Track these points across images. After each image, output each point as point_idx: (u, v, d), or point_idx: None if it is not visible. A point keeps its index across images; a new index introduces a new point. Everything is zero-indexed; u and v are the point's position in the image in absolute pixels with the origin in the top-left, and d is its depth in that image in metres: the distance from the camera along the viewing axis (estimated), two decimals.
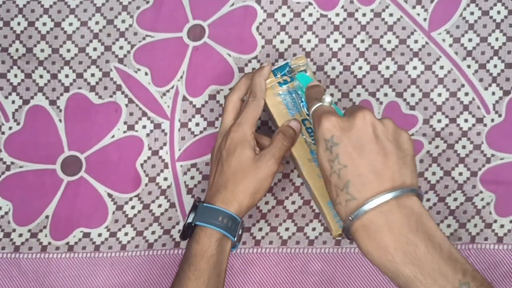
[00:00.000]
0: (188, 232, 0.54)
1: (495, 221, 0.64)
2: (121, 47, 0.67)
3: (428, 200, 0.64)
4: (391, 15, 0.65)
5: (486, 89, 0.64)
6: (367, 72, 0.65)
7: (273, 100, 0.58)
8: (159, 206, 0.65)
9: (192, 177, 0.65)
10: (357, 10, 0.66)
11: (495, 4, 0.65)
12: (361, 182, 0.42)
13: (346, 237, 0.44)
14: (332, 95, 0.61)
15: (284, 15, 0.66)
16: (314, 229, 0.64)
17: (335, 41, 0.66)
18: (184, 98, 0.66)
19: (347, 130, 0.43)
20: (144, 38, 0.67)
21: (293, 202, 0.64)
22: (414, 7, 0.65)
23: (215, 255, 0.52)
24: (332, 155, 0.43)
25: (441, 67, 0.65)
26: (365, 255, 0.42)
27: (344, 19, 0.66)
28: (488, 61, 0.65)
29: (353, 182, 0.42)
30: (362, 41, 0.65)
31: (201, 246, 0.52)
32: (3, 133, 0.67)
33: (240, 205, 0.54)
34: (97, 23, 0.67)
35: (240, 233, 0.55)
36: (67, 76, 0.67)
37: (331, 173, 0.43)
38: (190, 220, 0.54)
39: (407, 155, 0.44)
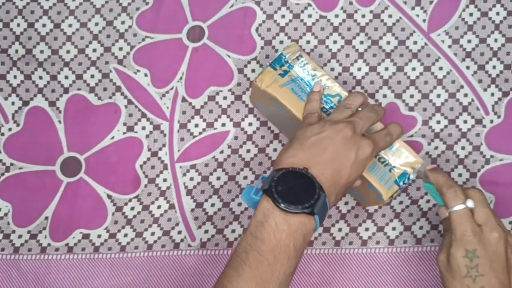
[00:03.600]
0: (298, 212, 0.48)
1: None
2: (120, 48, 0.67)
3: (428, 201, 0.64)
4: (390, 16, 0.66)
5: (485, 90, 0.65)
6: (366, 73, 0.65)
7: (281, 91, 0.57)
8: (159, 207, 0.65)
9: (192, 178, 0.65)
10: (356, 11, 0.66)
11: (494, 6, 0.65)
12: None
13: None
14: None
15: (283, 16, 0.66)
16: None
17: (334, 42, 0.66)
18: (184, 99, 0.66)
19: (487, 246, 0.51)
20: (143, 39, 0.67)
21: None
22: (413, 8, 0.66)
23: (303, 250, 0.50)
24: (472, 263, 0.51)
25: (440, 68, 0.65)
26: None
27: (343, 20, 0.66)
28: (487, 62, 0.65)
29: None
30: (361, 42, 0.65)
31: (304, 242, 0.49)
32: (2, 134, 0.67)
33: (337, 197, 0.52)
34: (96, 24, 0.67)
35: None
36: (66, 77, 0.67)
37: (465, 276, 0.51)
38: (309, 205, 0.48)
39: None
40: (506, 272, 0.52)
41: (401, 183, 0.55)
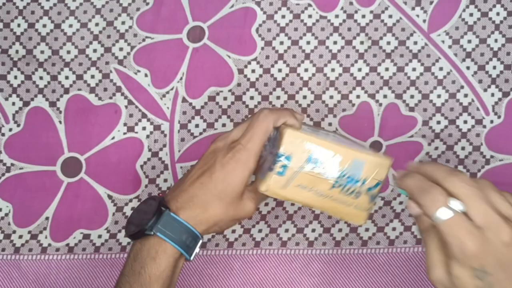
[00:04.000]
0: (140, 234, 0.47)
1: None
2: (121, 49, 0.67)
3: None
4: (390, 16, 0.66)
5: (485, 90, 0.65)
6: (367, 74, 0.65)
7: (288, 193, 0.49)
8: None
9: None
10: (356, 12, 0.66)
11: (494, 6, 0.65)
12: None
13: None
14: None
15: (283, 16, 0.66)
16: (313, 230, 0.64)
17: (335, 42, 0.66)
18: (184, 100, 0.66)
19: (498, 257, 0.39)
20: (144, 40, 0.67)
21: (293, 204, 0.64)
22: (413, 9, 0.66)
23: (169, 277, 0.47)
24: (484, 285, 0.39)
25: (441, 69, 0.65)
26: None
27: (344, 21, 0.66)
28: (487, 63, 0.65)
29: None
30: (362, 42, 0.66)
31: (158, 265, 0.46)
32: (3, 134, 0.67)
33: (208, 229, 0.49)
34: (97, 24, 0.67)
35: (197, 251, 0.49)
36: (67, 77, 0.67)
37: None
38: (149, 224, 0.47)
39: None
40: None
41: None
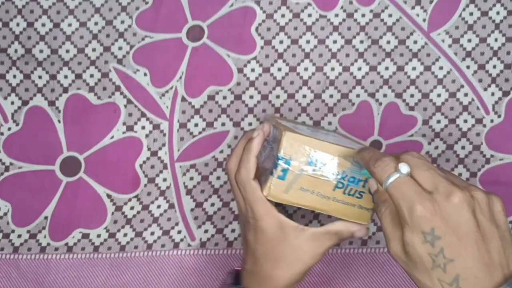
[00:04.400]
0: None
1: None
2: (120, 48, 0.67)
3: None
4: (390, 15, 0.65)
5: (485, 89, 0.64)
6: (366, 73, 0.65)
7: (290, 197, 0.49)
8: (158, 207, 0.65)
9: (191, 178, 0.65)
10: (356, 11, 0.66)
11: (494, 5, 0.65)
12: (472, 275, 0.38)
13: None
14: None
15: (283, 15, 0.66)
16: None
17: (334, 41, 0.66)
18: (183, 99, 0.66)
19: (447, 219, 0.39)
20: (143, 39, 0.67)
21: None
22: (413, 8, 0.65)
23: None
24: (435, 249, 0.39)
25: (441, 68, 0.65)
26: None
27: (343, 20, 0.66)
28: (487, 62, 0.65)
29: (463, 276, 0.38)
30: (361, 41, 0.65)
31: None
32: (2, 134, 0.67)
33: None
34: (96, 23, 0.67)
35: None
36: (66, 76, 0.67)
37: (433, 267, 0.39)
38: None
39: (505, 231, 0.40)
40: (483, 242, 0.39)
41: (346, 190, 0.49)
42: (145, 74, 0.66)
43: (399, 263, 0.42)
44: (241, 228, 0.52)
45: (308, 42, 0.66)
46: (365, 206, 0.48)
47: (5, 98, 0.67)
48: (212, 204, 0.65)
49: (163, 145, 0.66)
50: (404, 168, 0.41)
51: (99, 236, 0.65)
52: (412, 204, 0.39)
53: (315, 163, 0.47)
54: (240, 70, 0.66)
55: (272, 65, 0.66)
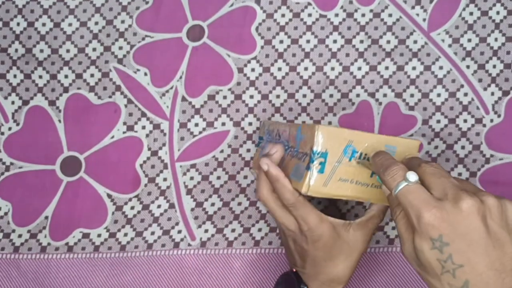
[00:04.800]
0: None
1: None
2: (120, 48, 0.67)
3: None
4: (390, 15, 0.66)
5: (485, 89, 0.64)
6: (366, 73, 0.65)
7: (330, 189, 0.49)
8: (159, 206, 0.65)
9: (192, 178, 0.65)
10: (356, 11, 0.66)
11: (494, 5, 0.65)
12: (482, 281, 0.38)
13: None
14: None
15: (283, 15, 0.66)
16: None
17: (334, 41, 0.66)
18: (183, 99, 0.66)
19: (455, 226, 0.39)
20: (143, 39, 0.67)
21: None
22: (413, 8, 0.65)
23: None
24: (443, 255, 0.39)
25: (440, 68, 0.65)
26: None
27: (343, 20, 0.66)
28: (487, 62, 0.65)
29: (473, 282, 0.38)
30: (361, 41, 0.65)
31: None
32: (2, 133, 0.67)
33: (343, 286, 0.54)
34: (96, 23, 0.67)
35: None
36: (66, 76, 0.67)
37: (443, 272, 0.39)
38: None
39: None
40: (493, 248, 0.39)
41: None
42: (145, 74, 0.66)
43: (412, 264, 0.43)
44: (292, 244, 0.54)
45: (308, 41, 0.66)
46: None
47: (6, 98, 0.67)
48: (212, 204, 0.65)
49: (164, 144, 0.66)
50: (411, 176, 0.42)
51: (99, 236, 0.65)
52: (420, 212, 0.40)
53: (350, 153, 0.48)
54: (240, 70, 0.66)
55: (272, 64, 0.66)
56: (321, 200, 0.63)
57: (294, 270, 0.54)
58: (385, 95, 0.65)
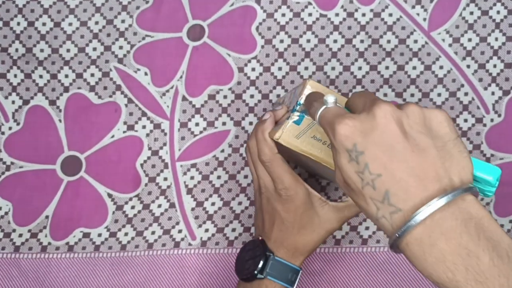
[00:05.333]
0: (253, 278, 0.53)
1: None
2: (120, 47, 0.67)
3: None
4: (390, 15, 0.66)
5: (485, 89, 0.65)
6: (367, 72, 0.65)
7: (301, 143, 0.48)
8: (159, 206, 0.65)
9: (192, 177, 0.65)
10: (356, 10, 0.66)
11: (494, 4, 0.65)
12: (402, 189, 0.36)
13: (394, 251, 0.38)
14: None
15: (283, 15, 0.66)
16: None
17: (335, 41, 0.66)
18: (184, 98, 0.66)
19: (369, 133, 0.37)
20: (143, 38, 0.67)
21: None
22: (413, 7, 0.65)
23: None
24: (360, 166, 0.37)
25: (441, 67, 0.65)
26: (421, 273, 0.36)
27: (344, 19, 0.66)
28: (487, 61, 0.65)
29: (393, 191, 0.36)
30: (362, 41, 0.65)
31: None
32: (3, 133, 0.67)
33: (304, 259, 0.54)
34: (96, 23, 0.67)
35: (297, 281, 0.54)
36: (66, 76, 0.67)
37: (363, 186, 0.37)
38: (258, 268, 0.52)
39: (447, 142, 0.37)
40: (412, 153, 0.36)
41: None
42: (145, 74, 0.66)
43: (345, 191, 0.40)
44: (264, 204, 0.54)
45: (308, 41, 0.66)
46: None
47: (6, 98, 0.67)
48: (213, 204, 0.65)
49: (164, 144, 0.66)
50: (329, 97, 0.41)
51: (100, 235, 0.65)
52: (334, 125, 0.38)
53: None
54: (240, 69, 0.66)
55: (272, 64, 0.66)
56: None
57: (260, 238, 0.55)
58: (385, 95, 0.65)
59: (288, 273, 0.53)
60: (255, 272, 0.52)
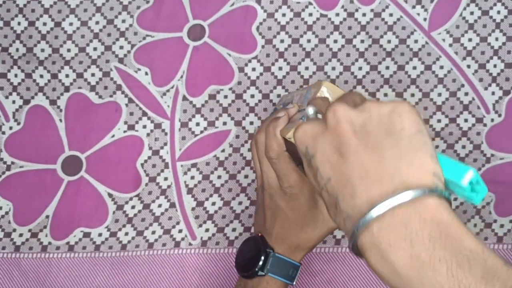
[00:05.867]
0: (252, 275, 0.53)
1: (495, 221, 0.64)
2: (121, 47, 0.67)
3: None
4: (391, 15, 0.66)
5: (486, 89, 0.65)
6: (367, 72, 0.65)
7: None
8: (159, 206, 0.65)
9: (193, 177, 0.65)
10: (357, 10, 0.66)
11: (495, 4, 0.65)
12: (349, 193, 0.33)
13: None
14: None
15: (284, 15, 0.66)
16: None
17: (335, 41, 0.66)
18: (184, 98, 0.66)
19: (319, 136, 0.35)
20: (144, 38, 0.67)
21: None
22: (414, 7, 0.66)
23: None
24: (314, 170, 0.35)
25: (441, 67, 0.65)
26: (380, 279, 0.34)
27: (344, 19, 0.66)
28: (488, 61, 0.65)
29: (341, 196, 0.34)
30: (362, 41, 0.66)
31: None
32: (3, 133, 0.67)
33: (305, 255, 0.54)
34: (97, 23, 0.67)
35: (297, 276, 0.54)
36: (67, 76, 0.67)
37: (321, 191, 0.36)
38: (259, 265, 0.52)
39: (404, 138, 0.33)
40: (361, 154, 0.33)
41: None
42: (146, 73, 0.66)
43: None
44: (267, 200, 0.54)
45: (309, 41, 0.66)
46: None
47: (7, 97, 0.67)
48: (213, 203, 0.65)
49: (165, 144, 0.66)
50: (310, 110, 0.42)
51: (100, 235, 0.65)
52: (296, 131, 0.38)
53: None
54: (241, 69, 0.66)
55: (273, 64, 0.66)
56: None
57: (260, 234, 0.54)
58: (385, 95, 0.65)
59: (289, 269, 0.53)
60: (256, 269, 0.52)
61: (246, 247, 0.55)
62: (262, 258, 0.52)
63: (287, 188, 0.51)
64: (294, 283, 0.54)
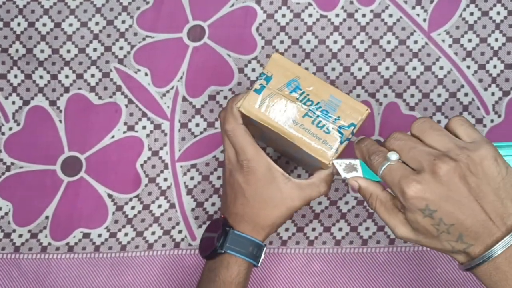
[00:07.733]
0: (214, 254, 0.53)
1: None
2: (121, 48, 0.67)
3: None
4: (390, 15, 0.66)
5: (485, 89, 0.65)
6: (367, 73, 0.65)
7: (259, 112, 0.50)
8: (159, 206, 0.65)
9: (192, 178, 0.65)
10: (356, 11, 0.66)
11: (494, 5, 0.65)
12: (472, 232, 0.42)
13: (468, 271, 0.44)
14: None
15: (284, 15, 0.66)
16: (314, 229, 0.64)
17: (335, 42, 0.66)
18: (184, 99, 0.66)
19: (437, 193, 0.41)
20: (144, 39, 0.67)
21: None
22: (413, 8, 0.66)
23: (242, 282, 0.53)
24: (435, 220, 0.42)
25: (441, 68, 0.65)
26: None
27: (344, 20, 0.66)
28: (487, 62, 0.65)
29: (465, 234, 0.42)
30: (362, 42, 0.66)
31: (231, 273, 0.53)
32: (3, 133, 0.67)
33: (267, 234, 0.54)
34: (97, 23, 0.67)
35: (262, 257, 0.54)
36: (67, 76, 0.67)
37: (439, 234, 0.43)
38: (219, 243, 0.53)
39: (500, 182, 0.42)
40: (476, 203, 0.42)
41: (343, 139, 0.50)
42: (146, 74, 0.67)
43: (410, 242, 0.45)
44: (227, 176, 0.54)
45: (308, 42, 0.66)
46: (329, 143, 0.49)
47: (6, 98, 0.67)
48: (213, 204, 0.65)
49: (164, 145, 0.66)
50: (392, 155, 0.44)
51: (100, 235, 0.65)
52: (402, 188, 0.42)
53: (293, 87, 0.50)
54: (240, 70, 0.66)
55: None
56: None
57: (223, 216, 0.55)
58: (385, 96, 0.65)
59: (248, 247, 0.53)
60: (215, 248, 0.52)
61: (208, 229, 0.55)
62: (222, 237, 0.52)
63: (244, 161, 0.51)
64: (259, 264, 0.54)
